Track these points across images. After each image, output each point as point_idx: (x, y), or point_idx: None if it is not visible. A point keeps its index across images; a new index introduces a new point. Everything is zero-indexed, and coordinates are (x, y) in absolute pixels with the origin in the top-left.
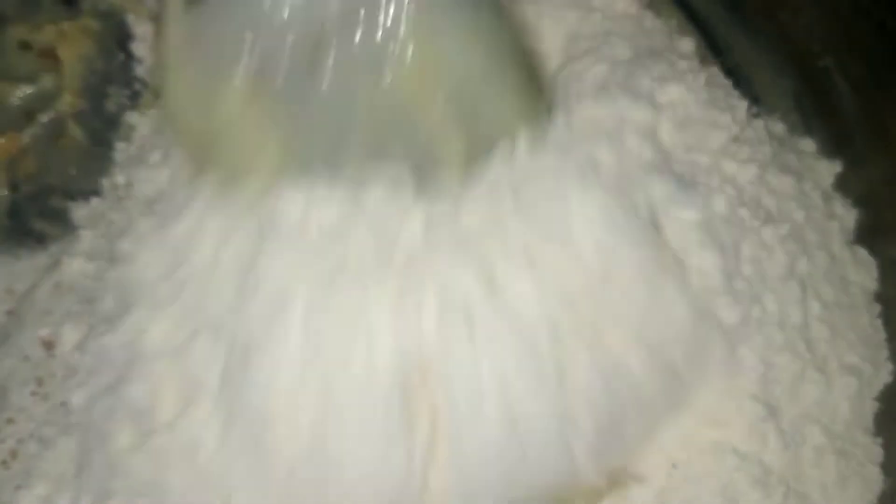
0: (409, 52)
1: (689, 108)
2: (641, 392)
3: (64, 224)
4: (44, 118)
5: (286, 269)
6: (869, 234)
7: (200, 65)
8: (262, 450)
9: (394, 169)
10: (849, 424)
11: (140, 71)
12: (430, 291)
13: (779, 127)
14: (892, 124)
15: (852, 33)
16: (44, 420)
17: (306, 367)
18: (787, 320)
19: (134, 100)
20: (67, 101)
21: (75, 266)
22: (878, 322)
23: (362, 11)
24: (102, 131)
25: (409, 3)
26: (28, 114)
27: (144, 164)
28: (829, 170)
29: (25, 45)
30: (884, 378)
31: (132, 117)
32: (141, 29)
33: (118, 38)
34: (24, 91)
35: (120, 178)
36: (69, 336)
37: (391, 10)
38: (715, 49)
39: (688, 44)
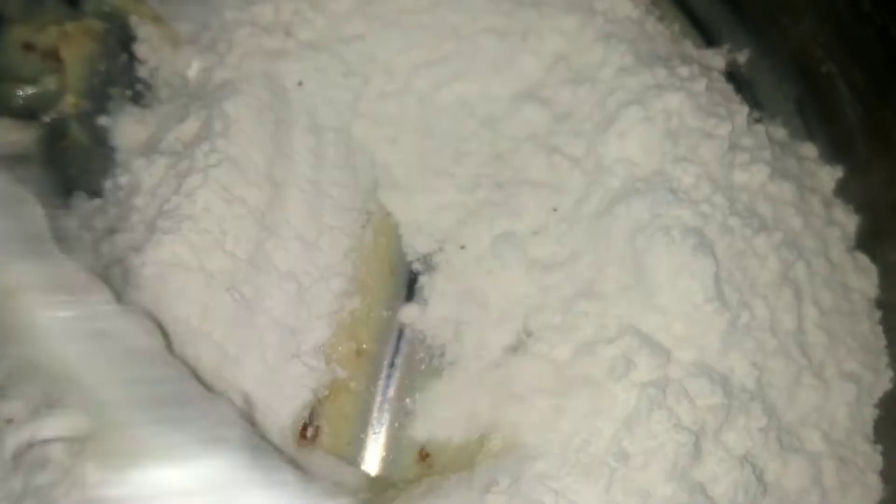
0: None
1: (684, 117)
2: None
3: (65, 224)
4: (46, 118)
5: None
6: (870, 240)
7: None
8: None
9: None
10: (848, 431)
11: (142, 72)
12: None
13: (780, 132)
14: (893, 130)
15: (854, 39)
16: None
17: None
18: (779, 326)
19: (136, 101)
20: (70, 102)
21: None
22: (879, 328)
23: None
24: (104, 132)
25: None
26: (31, 114)
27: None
28: (830, 175)
29: (29, 46)
30: (884, 385)
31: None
32: (143, 30)
33: (121, 39)
34: (27, 91)
35: (122, 180)
36: None
37: None
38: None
39: (689, 48)
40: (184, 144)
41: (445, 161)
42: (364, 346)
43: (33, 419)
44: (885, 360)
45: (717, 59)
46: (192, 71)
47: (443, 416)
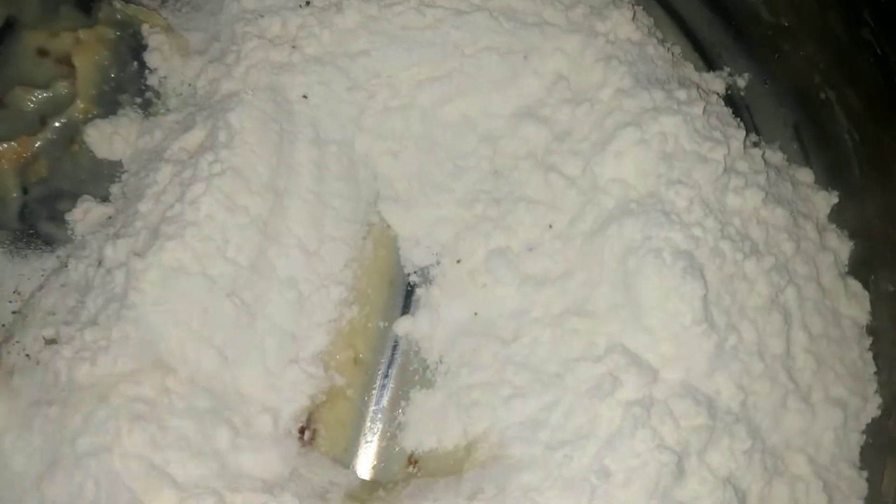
0: None
1: (680, 140)
2: None
3: (72, 228)
4: (56, 123)
5: None
6: (863, 267)
7: None
8: None
9: None
10: (834, 456)
11: (152, 80)
12: None
13: (777, 156)
14: (890, 157)
15: (854, 67)
16: None
17: None
18: (767, 350)
19: (145, 108)
20: (80, 108)
21: (80, 270)
22: (869, 355)
23: None
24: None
25: None
26: (41, 119)
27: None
28: (825, 201)
29: (42, 52)
30: (872, 412)
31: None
32: (154, 40)
33: (132, 47)
34: (38, 96)
35: (128, 186)
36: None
37: None
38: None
39: (690, 71)
40: (189, 153)
41: (445, 176)
42: (361, 354)
43: None
44: (873, 386)
45: (716, 82)
46: (201, 81)
47: (432, 426)
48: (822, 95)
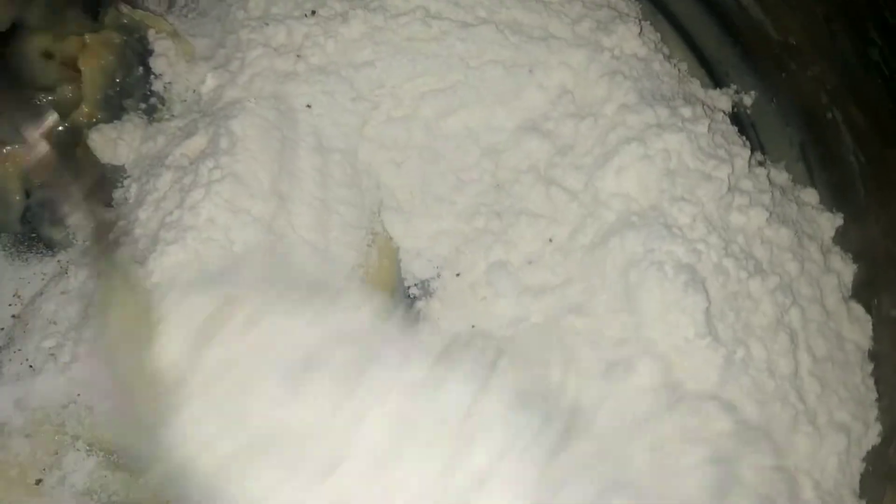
0: None
1: (683, 158)
2: None
3: (73, 233)
4: (60, 127)
5: None
6: (866, 290)
7: None
8: None
9: None
10: (837, 483)
11: (157, 86)
12: None
13: (782, 176)
14: None
15: (861, 88)
16: None
17: None
18: (776, 369)
19: (149, 114)
20: (85, 112)
21: (81, 277)
22: (871, 381)
23: None
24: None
25: None
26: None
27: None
28: (830, 222)
29: (48, 55)
30: (872, 439)
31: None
32: (160, 45)
33: (138, 52)
34: (43, 99)
35: (130, 191)
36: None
37: None
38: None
39: (696, 88)
40: (190, 160)
41: (447, 188)
42: None
43: None
44: (874, 413)
45: (722, 99)
46: (205, 87)
47: None
48: (829, 115)
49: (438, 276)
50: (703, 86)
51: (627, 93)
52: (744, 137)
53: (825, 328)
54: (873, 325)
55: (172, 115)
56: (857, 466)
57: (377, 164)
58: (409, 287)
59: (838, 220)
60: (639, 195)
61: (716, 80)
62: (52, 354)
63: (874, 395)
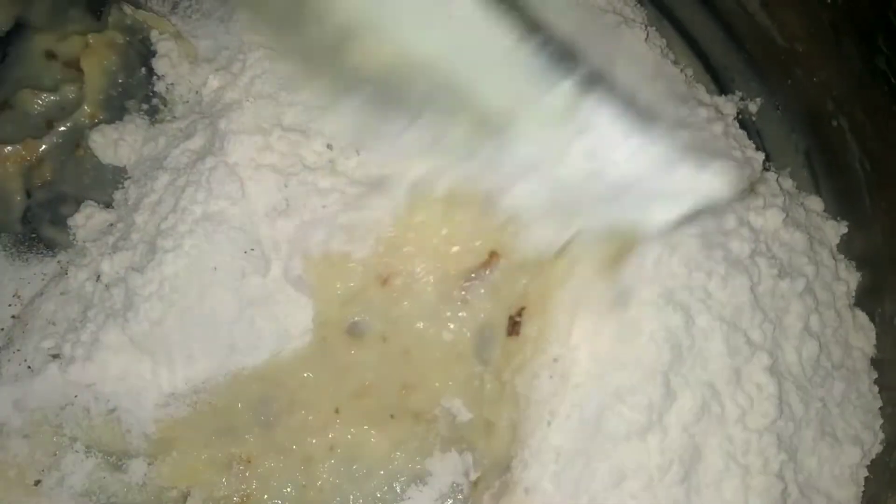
0: None
1: None
2: None
3: (74, 233)
4: (62, 127)
5: None
6: (869, 299)
7: None
8: None
9: None
10: (848, 496)
11: (159, 87)
12: None
13: (788, 183)
14: None
15: (866, 95)
16: None
17: None
18: (804, 374)
19: (151, 115)
20: (87, 113)
21: (80, 279)
22: (875, 389)
23: None
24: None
25: None
26: (48, 122)
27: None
28: (835, 230)
29: (51, 55)
30: (876, 448)
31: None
32: (163, 46)
33: (141, 53)
34: (45, 99)
35: (130, 192)
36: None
37: None
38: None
39: (702, 93)
40: (186, 162)
41: None
42: None
43: None
44: (879, 421)
45: (728, 105)
46: (206, 89)
47: None
48: (835, 123)
49: None
50: (709, 92)
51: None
52: (752, 143)
53: (838, 335)
54: (877, 333)
55: (174, 117)
56: (864, 475)
57: None
58: None
59: (843, 227)
60: None
61: (721, 86)
62: (51, 355)
63: (879, 404)
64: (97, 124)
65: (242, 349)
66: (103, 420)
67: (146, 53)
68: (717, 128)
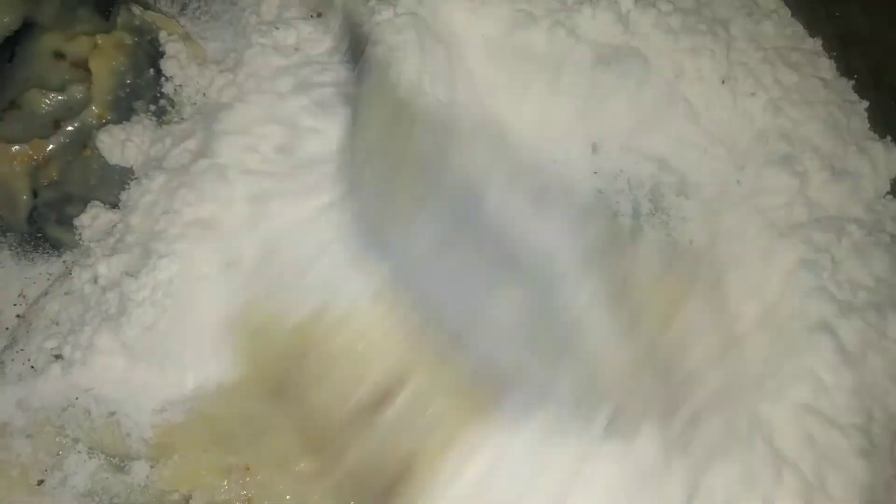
0: None
1: None
2: None
3: (80, 233)
4: (69, 127)
5: None
6: None
7: None
8: None
9: None
10: None
11: (167, 88)
12: None
13: None
14: None
15: None
16: None
17: None
18: None
19: (159, 116)
20: (94, 113)
21: (83, 279)
22: None
23: None
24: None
25: None
26: (55, 122)
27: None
28: None
29: (59, 55)
30: None
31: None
32: (172, 47)
33: (149, 54)
34: (53, 99)
35: (133, 193)
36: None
37: None
38: None
39: None
40: (184, 162)
41: None
42: None
43: None
44: None
45: None
46: (213, 90)
47: None
48: None
49: None
50: None
51: None
52: None
53: None
54: None
55: (182, 118)
56: None
57: None
58: None
59: None
60: None
61: None
62: (53, 356)
63: None
64: (105, 125)
65: None
66: (103, 423)
67: (154, 54)
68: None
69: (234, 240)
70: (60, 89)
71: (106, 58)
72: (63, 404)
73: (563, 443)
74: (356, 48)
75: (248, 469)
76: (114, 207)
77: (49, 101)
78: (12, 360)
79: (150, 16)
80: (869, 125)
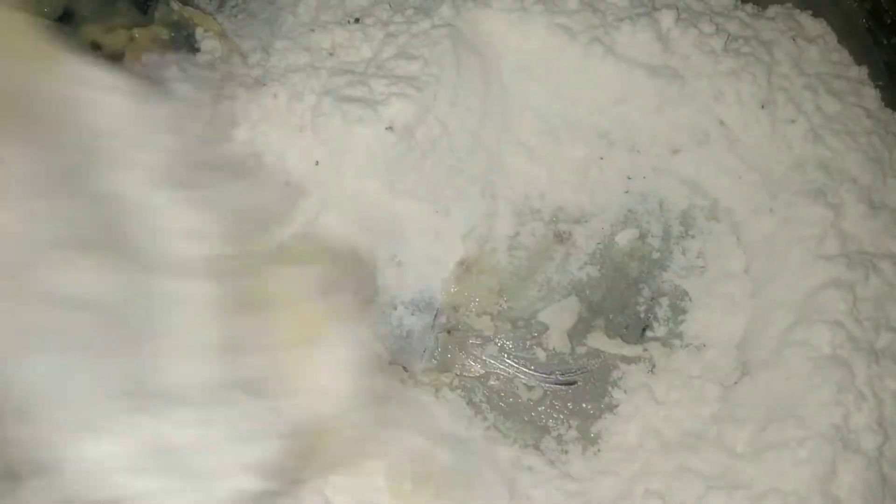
0: None
1: None
2: None
3: None
4: None
5: None
6: None
7: None
8: None
9: None
10: None
11: None
12: None
13: None
14: None
15: None
16: None
17: None
18: None
19: None
20: None
21: None
22: None
23: None
24: None
25: None
26: None
27: None
28: None
29: (96, 46)
30: None
31: None
32: (207, 44)
33: (185, 50)
34: None
35: None
36: None
37: None
38: None
39: None
40: None
41: None
42: None
43: None
44: None
45: None
46: None
47: None
48: None
49: None
50: None
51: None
52: None
53: None
54: None
55: None
56: None
57: None
58: None
59: None
60: None
61: None
62: None
63: None
64: None
65: None
66: None
67: (190, 51)
68: None
69: None
70: None
71: (141, 52)
72: None
73: None
74: None
75: None
76: None
77: None
78: None
79: (187, 11)
80: None
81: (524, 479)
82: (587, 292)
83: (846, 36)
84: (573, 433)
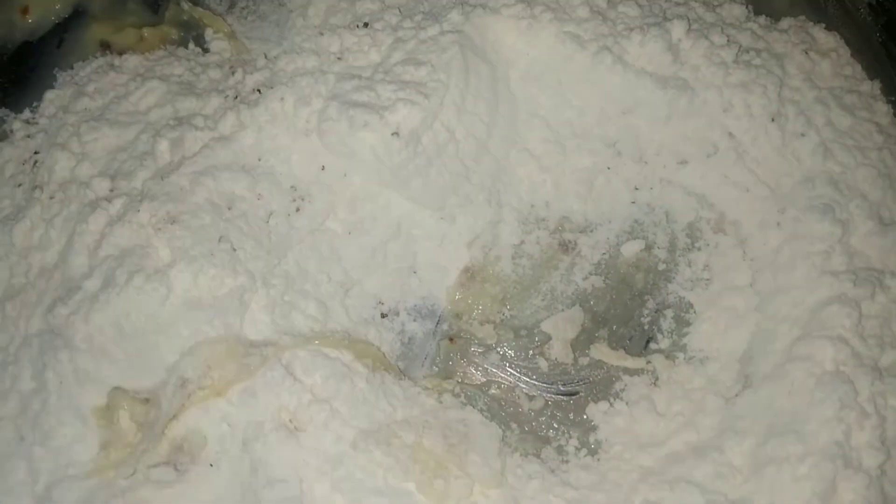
0: None
1: None
2: None
3: None
4: None
5: None
6: None
7: None
8: None
9: None
10: None
11: None
12: None
13: None
14: None
15: None
16: None
17: None
18: None
19: None
20: None
21: None
22: None
23: None
24: None
25: None
26: None
27: None
28: None
29: (105, 45)
30: None
31: None
32: (216, 45)
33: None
34: None
35: None
36: None
37: None
38: None
39: None
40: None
41: None
42: None
43: None
44: None
45: None
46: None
47: None
48: None
49: None
50: None
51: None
52: None
53: None
54: None
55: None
56: None
57: None
58: None
59: None
60: None
61: None
62: None
63: None
64: None
65: None
66: None
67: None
68: None
69: None
70: None
71: (150, 50)
72: None
73: None
74: None
75: None
76: None
77: None
78: None
79: (198, 12)
80: None
81: (525, 487)
82: (591, 303)
83: (859, 50)
84: (574, 443)
